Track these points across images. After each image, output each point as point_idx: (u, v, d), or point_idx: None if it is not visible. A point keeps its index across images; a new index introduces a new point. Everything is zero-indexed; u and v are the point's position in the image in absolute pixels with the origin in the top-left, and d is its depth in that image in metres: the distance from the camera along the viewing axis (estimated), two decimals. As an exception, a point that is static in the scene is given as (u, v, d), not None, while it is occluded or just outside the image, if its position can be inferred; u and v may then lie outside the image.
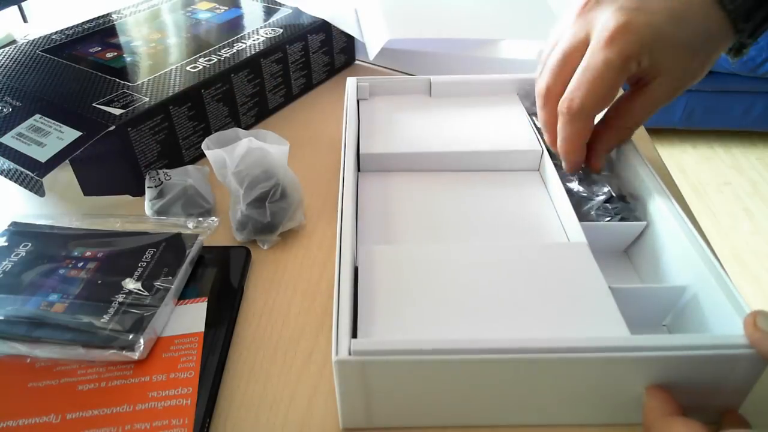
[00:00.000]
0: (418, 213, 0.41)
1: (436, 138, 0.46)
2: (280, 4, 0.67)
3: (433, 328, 0.30)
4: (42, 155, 0.43)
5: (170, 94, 0.49)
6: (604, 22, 0.35)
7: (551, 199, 0.41)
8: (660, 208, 0.37)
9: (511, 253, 0.34)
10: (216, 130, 0.54)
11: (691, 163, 2.13)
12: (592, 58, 0.35)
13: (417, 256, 0.34)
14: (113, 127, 0.44)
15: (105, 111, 0.46)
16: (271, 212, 0.42)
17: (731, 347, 0.27)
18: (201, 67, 0.53)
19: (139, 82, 0.51)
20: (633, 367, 0.28)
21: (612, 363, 0.27)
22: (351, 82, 0.50)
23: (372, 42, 0.61)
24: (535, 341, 0.27)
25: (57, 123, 0.45)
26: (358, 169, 0.45)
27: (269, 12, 0.65)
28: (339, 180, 0.39)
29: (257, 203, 0.42)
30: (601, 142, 0.40)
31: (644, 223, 0.38)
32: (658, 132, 2.21)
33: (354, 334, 0.29)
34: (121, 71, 0.53)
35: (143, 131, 0.47)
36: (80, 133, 0.44)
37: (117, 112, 0.46)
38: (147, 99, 0.48)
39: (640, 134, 0.55)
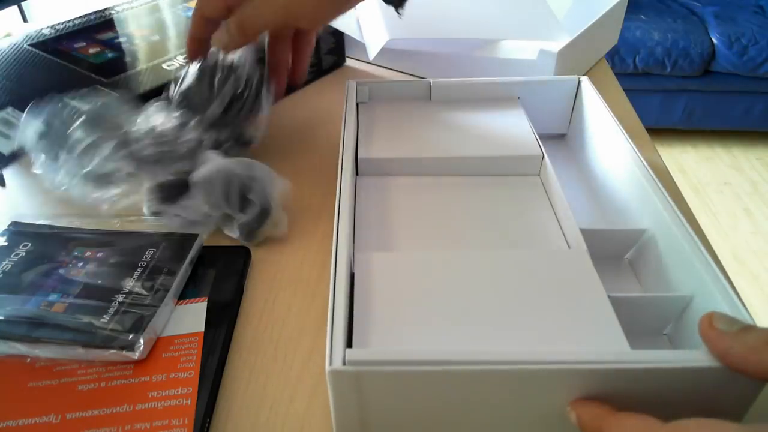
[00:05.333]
0: (417, 218, 0.40)
1: (436, 142, 0.46)
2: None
3: (431, 337, 0.29)
4: (6, 148, 0.43)
5: (141, 91, 0.49)
6: None
7: (551, 205, 0.41)
8: (661, 214, 0.36)
9: (510, 261, 0.34)
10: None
11: (691, 163, 2.13)
12: None
13: (415, 264, 0.34)
14: None
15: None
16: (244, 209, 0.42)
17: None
18: (178, 65, 0.53)
19: (113, 79, 0.51)
20: (631, 379, 0.27)
21: (608, 375, 0.27)
22: (351, 85, 0.50)
23: (372, 42, 0.61)
24: (531, 353, 0.27)
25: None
26: (356, 173, 0.45)
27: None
28: (337, 183, 0.38)
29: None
30: None
31: (644, 228, 0.38)
32: (658, 132, 2.21)
33: (349, 344, 0.28)
34: (100, 67, 0.53)
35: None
36: None
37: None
38: (117, 95, 0.48)
39: (639, 135, 0.55)
